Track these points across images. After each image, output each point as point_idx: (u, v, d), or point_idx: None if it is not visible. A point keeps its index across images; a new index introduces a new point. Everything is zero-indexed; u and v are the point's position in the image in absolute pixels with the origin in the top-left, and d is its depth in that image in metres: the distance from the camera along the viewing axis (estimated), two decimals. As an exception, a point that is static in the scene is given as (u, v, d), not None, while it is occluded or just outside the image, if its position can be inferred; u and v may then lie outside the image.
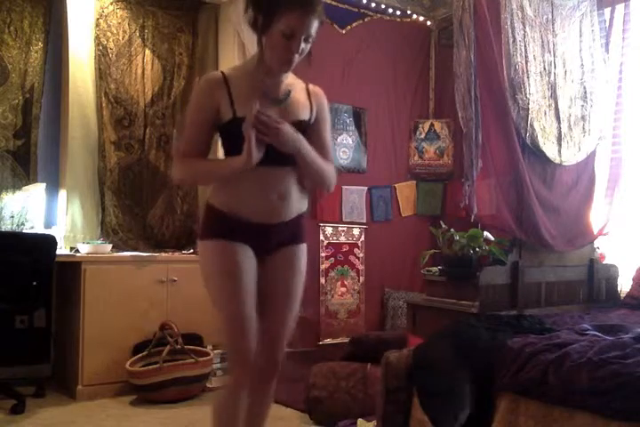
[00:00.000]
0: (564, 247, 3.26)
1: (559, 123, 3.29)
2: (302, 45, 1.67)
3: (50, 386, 3.34)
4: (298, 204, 1.81)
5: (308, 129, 1.79)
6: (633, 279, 3.44)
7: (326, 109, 1.89)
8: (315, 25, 1.66)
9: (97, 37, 3.76)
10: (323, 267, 4.09)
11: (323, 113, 1.86)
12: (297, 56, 1.69)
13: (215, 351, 3.46)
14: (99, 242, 3.52)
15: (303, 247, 1.87)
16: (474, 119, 2.90)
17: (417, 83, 4.62)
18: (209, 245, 1.76)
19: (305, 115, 1.80)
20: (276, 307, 1.82)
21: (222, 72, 1.79)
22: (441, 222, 3.18)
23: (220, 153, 1.87)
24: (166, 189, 4.00)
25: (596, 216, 3.53)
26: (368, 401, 2.69)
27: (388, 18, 4.48)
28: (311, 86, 1.88)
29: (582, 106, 3.44)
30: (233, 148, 1.71)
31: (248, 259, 1.75)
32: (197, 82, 1.86)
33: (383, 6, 4.40)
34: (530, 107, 3.11)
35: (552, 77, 3.27)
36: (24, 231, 3.42)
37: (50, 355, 3.63)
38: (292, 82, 1.83)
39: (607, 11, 3.63)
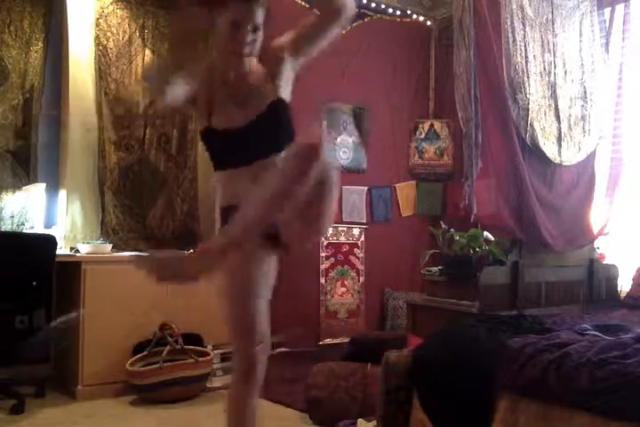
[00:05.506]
0: (564, 247, 3.26)
1: (559, 123, 3.30)
2: (251, 36, 1.68)
3: (50, 386, 3.33)
4: None
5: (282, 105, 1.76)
6: (633, 279, 3.43)
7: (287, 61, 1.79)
8: (260, 14, 1.67)
9: (97, 37, 3.76)
10: (323, 267, 4.09)
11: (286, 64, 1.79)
12: (248, 47, 1.69)
13: (215, 351, 3.45)
14: (99, 242, 3.51)
15: None
16: (474, 119, 2.90)
17: (417, 83, 4.62)
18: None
19: (274, 94, 1.75)
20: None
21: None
22: (441, 222, 3.18)
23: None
24: (166, 189, 4.00)
25: (596, 216, 3.53)
26: (368, 401, 2.69)
27: (388, 18, 4.48)
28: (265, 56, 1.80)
29: (582, 106, 3.44)
30: (211, 156, 1.80)
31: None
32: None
33: (383, 6, 4.40)
34: (530, 107, 3.11)
35: (552, 77, 3.27)
36: (24, 231, 3.42)
37: (50, 355, 3.63)
38: (255, 67, 1.79)
39: (607, 11, 3.64)
